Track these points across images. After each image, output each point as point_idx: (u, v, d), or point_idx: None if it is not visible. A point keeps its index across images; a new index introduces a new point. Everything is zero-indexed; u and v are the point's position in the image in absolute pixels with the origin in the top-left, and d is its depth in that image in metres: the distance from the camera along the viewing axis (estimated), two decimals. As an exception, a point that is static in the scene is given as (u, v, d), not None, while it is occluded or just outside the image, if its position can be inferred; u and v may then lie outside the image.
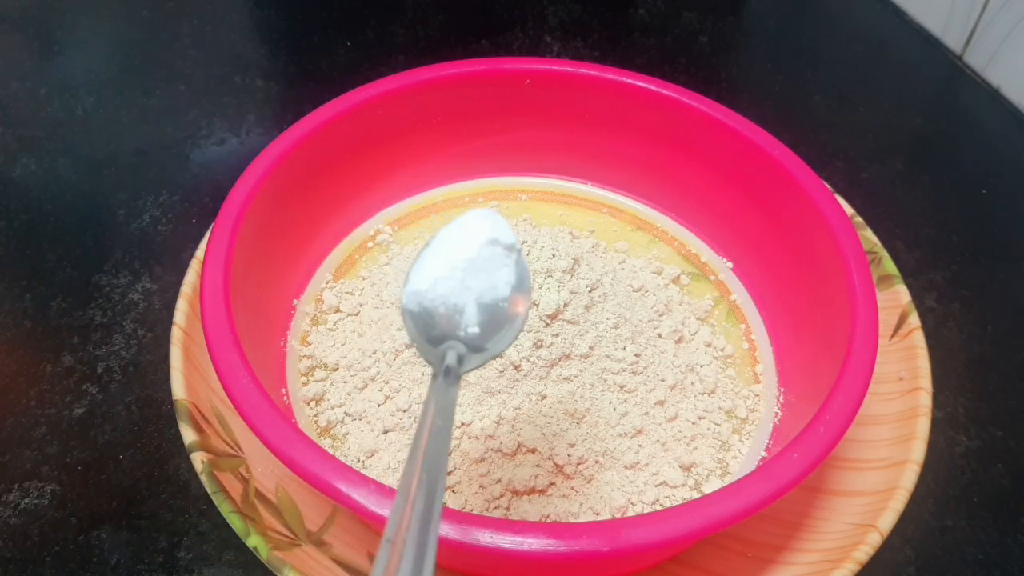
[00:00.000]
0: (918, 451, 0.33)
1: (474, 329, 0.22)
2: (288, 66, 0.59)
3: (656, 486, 0.34)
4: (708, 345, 0.39)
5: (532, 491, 0.33)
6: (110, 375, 0.40)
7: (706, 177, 0.43)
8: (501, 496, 0.33)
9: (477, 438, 0.34)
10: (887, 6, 0.64)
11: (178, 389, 0.33)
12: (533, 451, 0.34)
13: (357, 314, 0.40)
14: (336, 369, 0.37)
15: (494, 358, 0.22)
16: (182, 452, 0.35)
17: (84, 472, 0.37)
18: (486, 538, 0.25)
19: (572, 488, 0.33)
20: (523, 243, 0.38)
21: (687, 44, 0.61)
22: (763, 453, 0.35)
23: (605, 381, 0.36)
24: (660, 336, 0.38)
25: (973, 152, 0.53)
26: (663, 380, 0.37)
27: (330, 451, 0.31)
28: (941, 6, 0.59)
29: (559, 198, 0.46)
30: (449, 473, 0.33)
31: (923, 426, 0.33)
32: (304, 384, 0.37)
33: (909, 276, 0.44)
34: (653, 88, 0.41)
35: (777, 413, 0.37)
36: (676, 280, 0.42)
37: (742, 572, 0.31)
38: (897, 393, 0.35)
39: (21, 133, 0.52)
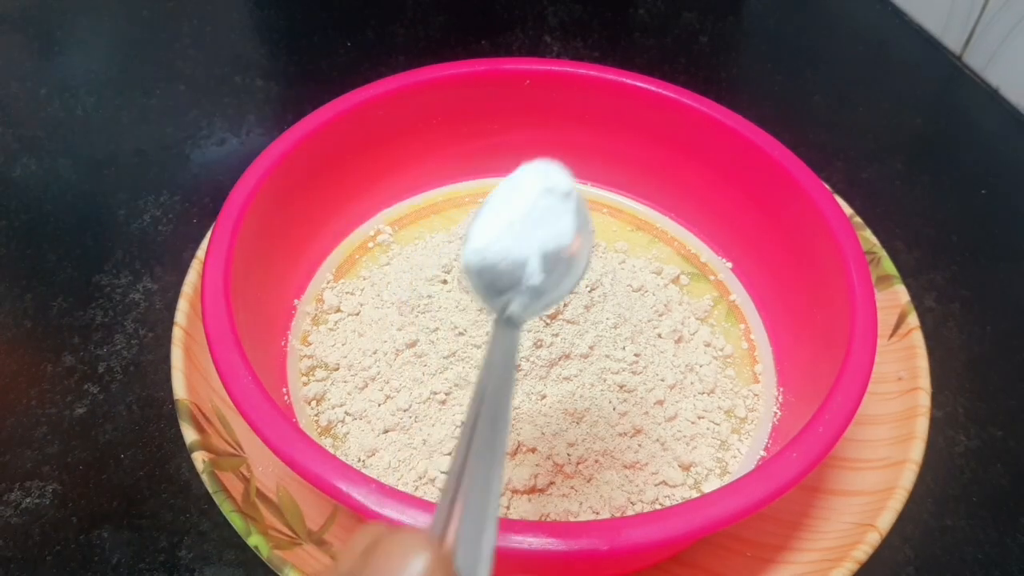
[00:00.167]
0: (917, 451, 0.33)
1: (537, 279, 0.22)
2: (288, 66, 0.59)
3: (655, 485, 0.34)
4: (707, 345, 0.39)
5: (532, 490, 0.33)
6: (111, 375, 0.40)
7: (706, 177, 0.43)
8: (501, 495, 0.33)
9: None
10: (887, 6, 0.64)
11: (179, 389, 0.33)
12: (533, 450, 0.34)
13: (358, 314, 0.40)
14: (337, 369, 0.37)
15: (560, 302, 0.22)
16: (183, 452, 0.35)
17: (85, 472, 0.37)
18: (486, 537, 0.25)
19: (572, 487, 0.33)
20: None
21: (687, 44, 0.61)
22: (762, 453, 0.36)
23: (605, 381, 0.36)
24: (660, 336, 0.39)
25: (972, 152, 0.53)
26: (663, 380, 0.37)
27: (331, 451, 0.31)
28: (941, 6, 0.59)
29: (559, 198, 0.46)
30: (448, 473, 0.33)
31: (922, 426, 0.33)
32: (305, 384, 0.37)
33: (908, 276, 0.44)
34: (653, 88, 0.42)
35: (776, 413, 0.37)
36: (676, 280, 0.42)
37: (741, 571, 0.31)
38: (896, 393, 0.35)
39: (21, 133, 0.52)
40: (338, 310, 0.40)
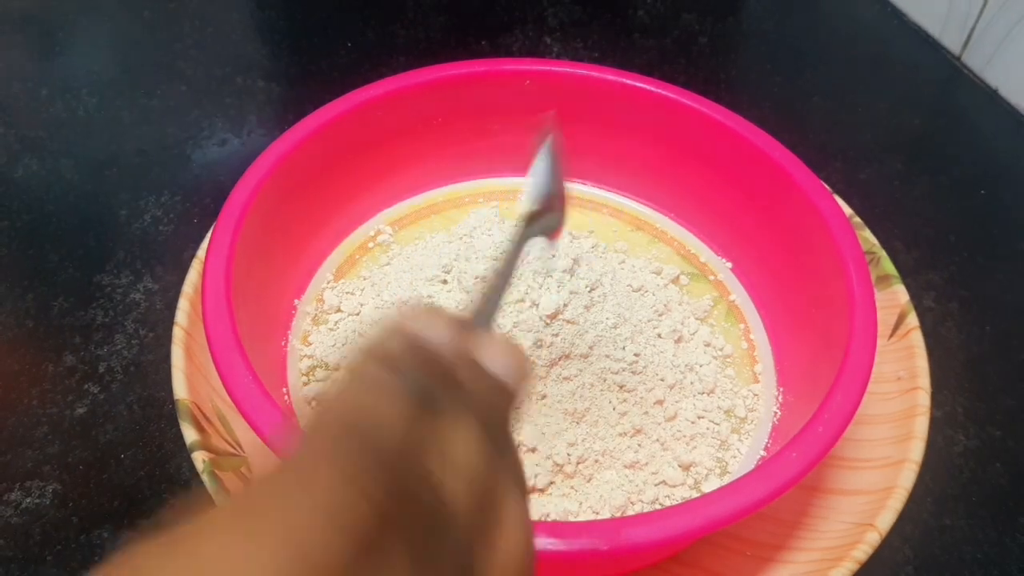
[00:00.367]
0: (916, 450, 0.33)
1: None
2: (289, 67, 0.59)
3: (655, 485, 0.34)
4: (707, 345, 0.39)
5: (532, 490, 0.33)
6: (112, 375, 0.40)
7: (705, 177, 0.43)
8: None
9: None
10: (886, 7, 0.64)
11: (179, 389, 0.33)
12: (533, 450, 0.34)
13: (358, 314, 0.40)
14: (337, 369, 0.37)
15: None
16: (183, 451, 0.35)
17: (86, 471, 0.37)
18: (486, 536, 0.25)
19: (572, 487, 0.34)
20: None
21: (686, 45, 0.61)
22: (762, 452, 0.36)
23: (605, 381, 0.36)
24: (659, 336, 0.39)
25: (971, 153, 0.53)
26: (662, 380, 0.37)
27: (331, 450, 0.31)
28: (940, 7, 0.59)
29: (559, 198, 0.47)
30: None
31: (921, 425, 0.33)
32: (305, 384, 0.37)
33: (907, 276, 0.44)
34: (653, 89, 0.42)
35: (776, 412, 0.37)
36: (675, 280, 0.42)
37: (741, 571, 0.31)
38: (896, 392, 0.35)
39: (23, 134, 0.52)
40: (338, 310, 0.40)
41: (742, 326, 0.41)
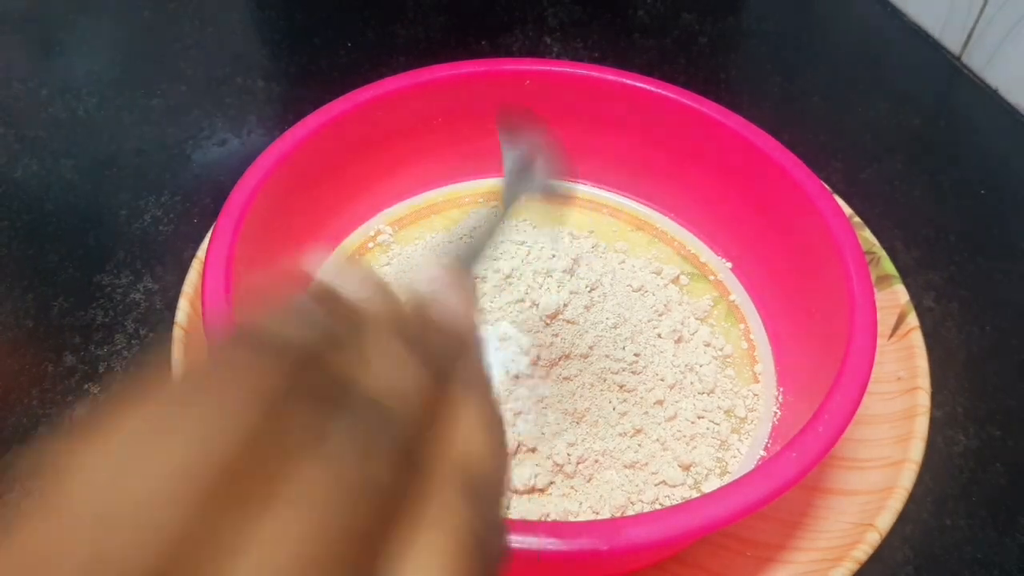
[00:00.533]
0: (916, 450, 0.33)
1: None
2: (289, 67, 0.59)
3: (655, 485, 0.34)
4: (707, 345, 0.39)
5: (532, 490, 0.33)
6: (112, 375, 0.40)
7: (705, 177, 0.43)
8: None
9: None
10: (887, 6, 0.64)
11: (180, 388, 0.33)
12: (533, 450, 0.34)
13: (358, 314, 0.40)
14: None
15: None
16: (184, 451, 0.35)
17: (86, 471, 0.37)
18: (486, 536, 0.25)
19: (572, 487, 0.34)
20: (523, 243, 0.38)
21: (686, 45, 0.61)
22: (762, 452, 0.36)
23: (604, 381, 0.36)
24: (659, 336, 0.39)
25: (971, 152, 0.53)
26: (662, 380, 0.37)
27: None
28: (940, 7, 0.59)
29: (559, 198, 0.46)
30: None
31: (921, 425, 0.33)
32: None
33: (907, 276, 0.44)
34: (653, 89, 0.42)
35: (776, 412, 0.37)
36: (675, 280, 0.42)
37: (741, 571, 0.31)
38: (895, 392, 0.35)
39: (23, 134, 0.52)
40: (338, 310, 0.40)
41: (742, 326, 0.41)
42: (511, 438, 0.34)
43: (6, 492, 0.36)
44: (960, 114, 0.56)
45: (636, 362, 0.37)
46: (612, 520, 0.26)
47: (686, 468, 0.35)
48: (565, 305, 0.36)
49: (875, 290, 0.34)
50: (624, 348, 0.37)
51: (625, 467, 0.34)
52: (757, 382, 0.39)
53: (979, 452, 0.38)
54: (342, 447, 0.13)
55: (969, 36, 0.57)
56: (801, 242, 0.38)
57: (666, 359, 0.38)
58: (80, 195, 0.49)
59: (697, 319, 0.40)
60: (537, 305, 0.36)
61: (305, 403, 0.14)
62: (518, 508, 0.33)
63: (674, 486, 0.34)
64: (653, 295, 0.41)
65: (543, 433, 0.34)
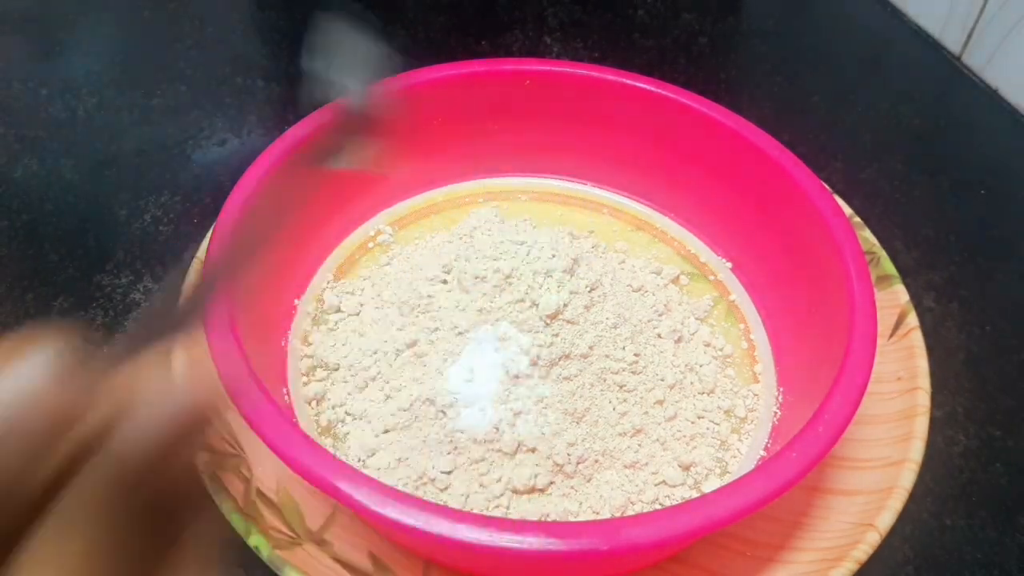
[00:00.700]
0: (916, 450, 0.33)
1: None
2: (289, 67, 0.59)
3: (655, 485, 0.34)
4: (707, 345, 0.39)
5: (532, 490, 0.33)
6: (112, 375, 0.40)
7: (705, 177, 0.43)
8: (501, 495, 0.33)
9: (477, 438, 0.34)
10: (886, 6, 0.64)
11: (179, 389, 0.33)
12: (533, 450, 0.34)
13: (358, 314, 0.40)
14: (337, 369, 0.37)
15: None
16: (183, 451, 0.35)
17: (86, 471, 0.37)
18: (485, 537, 0.25)
19: (572, 487, 0.34)
20: (523, 243, 0.38)
21: (686, 45, 0.61)
22: (762, 452, 0.36)
23: (604, 381, 0.36)
24: (659, 336, 0.39)
25: (972, 152, 0.53)
26: (662, 380, 0.37)
27: (331, 450, 0.31)
28: (940, 7, 0.59)
29: (559, 198, 0.47)
30: (448, 472, 0.33)
31: (921, 425, 0.33)
32: (305, 383, 0.37)
33: (907, 276, 0.44)
34: (653, 88, 0.42)
35: (776, 412, 0.37)
36: (675, 280, 0.42)
37: (741, 571, 0.31)
38: (895, 392, 0.35)
39: (23, 133, 0.52)
40: (338, 310, 0.40)
41: (742, 326, 0.41)
42: (511, 438, 0.34)
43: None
44: (960, 114, 0.56)
45: (636, 362, 0.37)
46: (612, 520, 0.26)
47: (686, 468, 0.35)
48: (565, 305, 0.36)
49: (875, 290, 0.34)
50: (624, 348, 0.37)
51: (625, 467, 0.34)
52: (757, 382, 0.39)
53: (979, 452, 0.38)
54: None
55: (969, 36, 0.57)
56: (801, 242, 0.38)
57: (666, 359, 0.38)
58: (80, 195, 0.49)
59: (697, 319, 0.40)
60: (537, 305, 0.36)
61: None
62: (518, 508, 0.33)
63: (674, 486, 0.34)
64: (653, 295, 0.41)
65: (543, 433, 0.34)
